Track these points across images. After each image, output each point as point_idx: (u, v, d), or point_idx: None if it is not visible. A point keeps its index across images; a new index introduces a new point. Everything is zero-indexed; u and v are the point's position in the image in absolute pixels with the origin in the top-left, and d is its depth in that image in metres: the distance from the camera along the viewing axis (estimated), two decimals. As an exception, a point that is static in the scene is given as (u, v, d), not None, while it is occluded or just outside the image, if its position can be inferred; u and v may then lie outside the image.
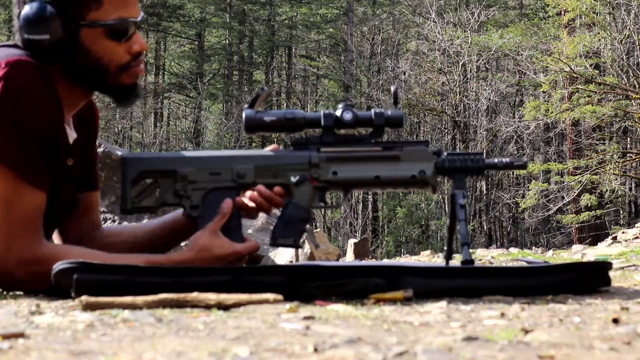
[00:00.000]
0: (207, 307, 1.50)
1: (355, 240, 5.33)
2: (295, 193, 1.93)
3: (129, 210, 1.94)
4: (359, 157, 1.94)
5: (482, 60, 21.29)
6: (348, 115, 1.92)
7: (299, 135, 2.00)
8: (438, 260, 4.80)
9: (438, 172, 1.95)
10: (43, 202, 1.82)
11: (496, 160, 1.97)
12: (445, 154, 1.96)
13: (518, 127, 18.86)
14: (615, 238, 5.45)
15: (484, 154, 1.98)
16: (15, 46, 1.90)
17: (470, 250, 1.93)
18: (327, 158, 1.94)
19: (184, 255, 1.88)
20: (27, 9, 1.83)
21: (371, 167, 1.94)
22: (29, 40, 1.84)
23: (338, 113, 1.94)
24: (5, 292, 1.95)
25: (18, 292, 2.04)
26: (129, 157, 1.97)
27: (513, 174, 20.82)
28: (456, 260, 4.58)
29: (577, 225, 16.51)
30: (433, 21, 21.48)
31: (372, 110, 1.95)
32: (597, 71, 16.16)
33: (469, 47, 20.61)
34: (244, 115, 1.93)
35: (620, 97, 15.39)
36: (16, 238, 1.77)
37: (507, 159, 1.98)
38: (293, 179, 1.93)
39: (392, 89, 1.97)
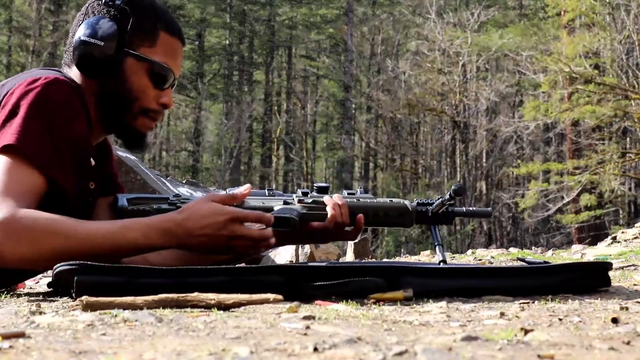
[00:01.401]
0: (207, 307, 1.50)
1: (355, 240, 5.34)
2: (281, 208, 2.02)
3: (126, 209, 1.91)
4: None
5: (482, 60, 21.30)
6: (323, 184, 2.11)
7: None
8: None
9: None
10: (43, 188, 1.80)
11: (464, 209, 2.16)
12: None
13: (518, 127, 18.88)
14: (614, 238, 5.44)
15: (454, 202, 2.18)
16: (57, 71, 1.97)
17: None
18: (309, 197, 2.08)
19: (181, 211, 1.83)
20: (96, 18, 1.93)
21: (350, 197, 2.10)
22: (83, 43, 1.91)
23: (314, 185, 2.12)
24: (6, 292, 1.96)
25: (19, 292, 2.05)
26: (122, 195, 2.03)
27: (513, 173, 20.83)
28: (456, 260, 4.58)
29: (576, 225, 16.52)
30: (433, 21, 21.49)
31: (344, 191, 2.13)
32: (596, 71, 16.17)
33: (469, 47, 20.62)
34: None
35: (620, 97, 15.40)
36: (2, 203, 1.73)
37: (473, 208, 2.22)
38: (280, 202, 2.03)
39: (359, 191, 2.15)
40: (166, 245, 1.81)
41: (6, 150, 1.78)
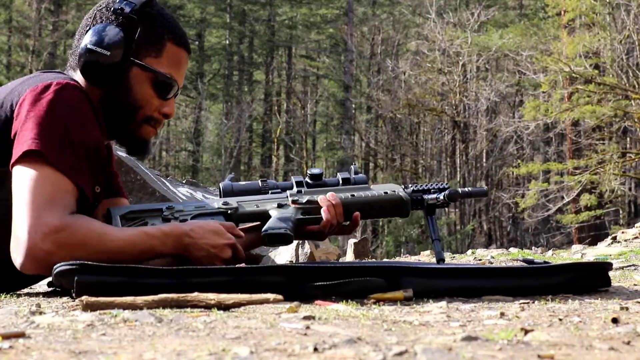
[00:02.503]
0: (207, 307, 1.50)
1: (355, 240, 5.32)
2: (277, 212, 2.00)
3: None
4: (332, 190, 2.07)
5: (482, 60, 21.29)
6: (316, 170, 2.10)
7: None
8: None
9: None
10: (75, 194, 1.82)
11: (459, 190, 2.14)
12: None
13: (518, 127, 18.87)
14: (614, 238, 5.44)
15: (449, 184, 2.18)
16: (62, 73, 1.98)
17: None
18: (304, 192, 2.07)
19: (188, 223, 1.90)
20: (104, 25, 1.93)
21: (345, 192, 2.07)
22: (89, 50, 1.92)
23: (308, 172, 2.11)
24: (6, 292, 1.96)
25: (19, 292, 2.05)
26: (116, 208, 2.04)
27: (513, 173, 20.84)
28: (456, 260, 4.57)
29: (576, 225, 16.53)
30: (433, 21, 21.48)
31: (338, 175, 2.12)
32: (596, 71, 16.16)
33: (468, 47, 20.61)
34: (220, 186, 2.08)
35: (620, 97, 15.40)
36: (44, 210, 1.75)
37: (469, 188, 2.17)
38: (274, 205, 2.02)
39: (352, 167, 2.15)
40: (173, 253, 1.87)
41: (29, 156, 1.77)
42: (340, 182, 2.10)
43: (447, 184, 2.12)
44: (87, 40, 1.92)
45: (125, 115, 1.98)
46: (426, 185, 2.11)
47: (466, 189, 2.15)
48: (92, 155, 1.88)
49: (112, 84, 1.95)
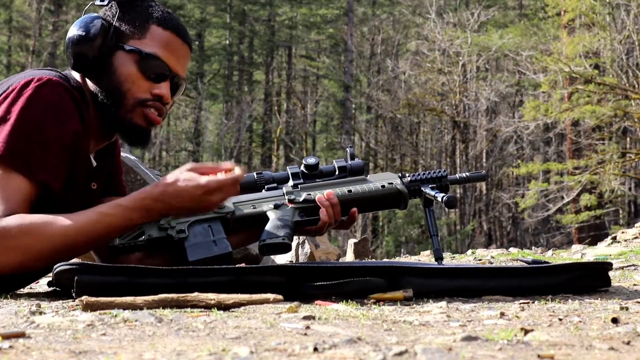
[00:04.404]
0: (207, 307, 1.50)
1: (355, 240, 5.31)
2: (275, 214, 1.98)
3: (116, 246, 1.89)
4: (330, 184, 2.05)
5: (482, 60, 21.29)
6: (312, 160, 2.06)
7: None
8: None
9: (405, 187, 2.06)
10: (31, 193, 1.82)
11: (457, 176, 2.12)
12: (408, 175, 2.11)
13: (518, 127, 18.87)
14: (614, 238, 5.43)
15: (447, 170, 2.15)
16: (55, 71, 1.99)
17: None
18: (300, 188, 2.03)
19: (157, 185, 1.88)
20: (88, 17, 1.98)
21: (342, 186, 2.04)
22: (70, 41, 1.95)
23: (303, 162, 2.08)
24: (6, 292, 1.96)
25: (19, 292, 2.05)
26: None
27: (513, 173, 20.84)
28: (456, 260, 4.57)
29: (576, 225, 16.53)
30: (433, 21, 21.49)
31: (334, 162, 2.08)
32: (596, 71, 16.17)
33: (468, 47, 20.61)
34: None
35: (620, 97, 15.40)
36: None
37: (467, 173, 2.14)
38: (271, 205, 1.99)
39: (348, 150, 2.11)
40: (147, 221, 1.86)
41: None
42: (337, 170, 2.07)
43: (444, 170, 2.10)
44: (70, 33, 1.96)
45: (114, 101, 1.97)
46: (424, 174, 2.08)
47: (464, 175, 2.13)
48: (72, 150, 1.88)
49: (98, 70, 1.96)
